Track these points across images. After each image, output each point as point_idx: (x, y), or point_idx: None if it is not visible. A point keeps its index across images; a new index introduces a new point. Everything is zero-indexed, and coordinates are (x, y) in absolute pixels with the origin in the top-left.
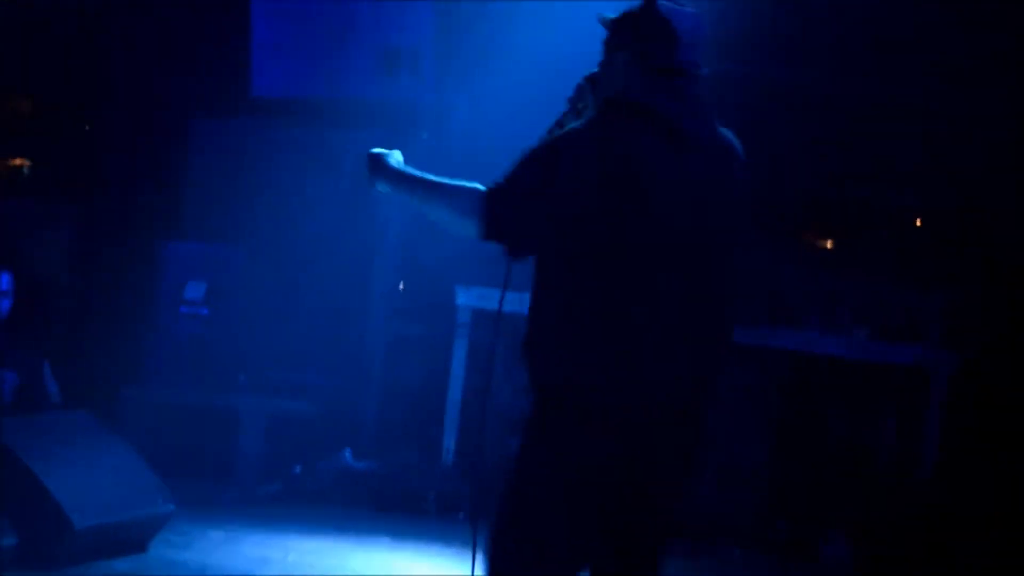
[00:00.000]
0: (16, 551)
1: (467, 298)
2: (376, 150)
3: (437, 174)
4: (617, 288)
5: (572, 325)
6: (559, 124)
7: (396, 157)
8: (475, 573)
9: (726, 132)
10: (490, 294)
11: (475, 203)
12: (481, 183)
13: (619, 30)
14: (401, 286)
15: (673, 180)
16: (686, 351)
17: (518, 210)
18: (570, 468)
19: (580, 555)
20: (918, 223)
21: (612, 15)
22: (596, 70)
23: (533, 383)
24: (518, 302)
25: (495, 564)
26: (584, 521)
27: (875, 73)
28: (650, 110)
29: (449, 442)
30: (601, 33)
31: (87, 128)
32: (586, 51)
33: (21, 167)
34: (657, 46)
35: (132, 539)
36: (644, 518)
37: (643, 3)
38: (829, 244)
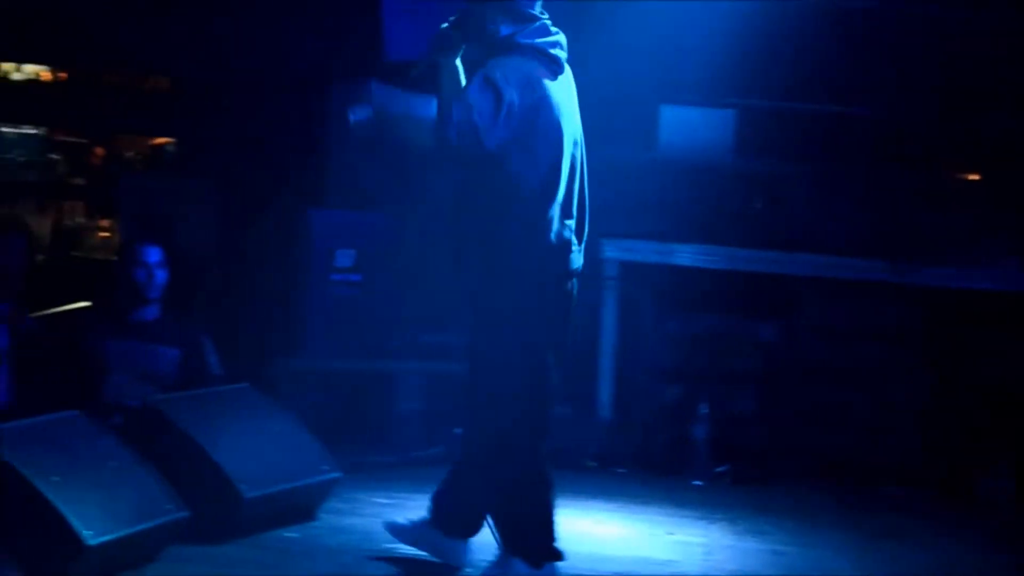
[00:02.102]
0: (187, 523)
1: (614, 251)
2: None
3: None
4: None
5: None
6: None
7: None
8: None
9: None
10: (636, 246)
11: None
12: None
13: None
14: None
15: (559, 97)
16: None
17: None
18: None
19: None
20: None
21: None
22: (455, 20)
23: None
24: (662, 253)
25: None
26: None
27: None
28: (536, 48)
29: (604, 396)
30: None
31: (227, 102)
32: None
33: (165, 145)
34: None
35: (300, 507)
36: None
37: None
38: (974, 176)
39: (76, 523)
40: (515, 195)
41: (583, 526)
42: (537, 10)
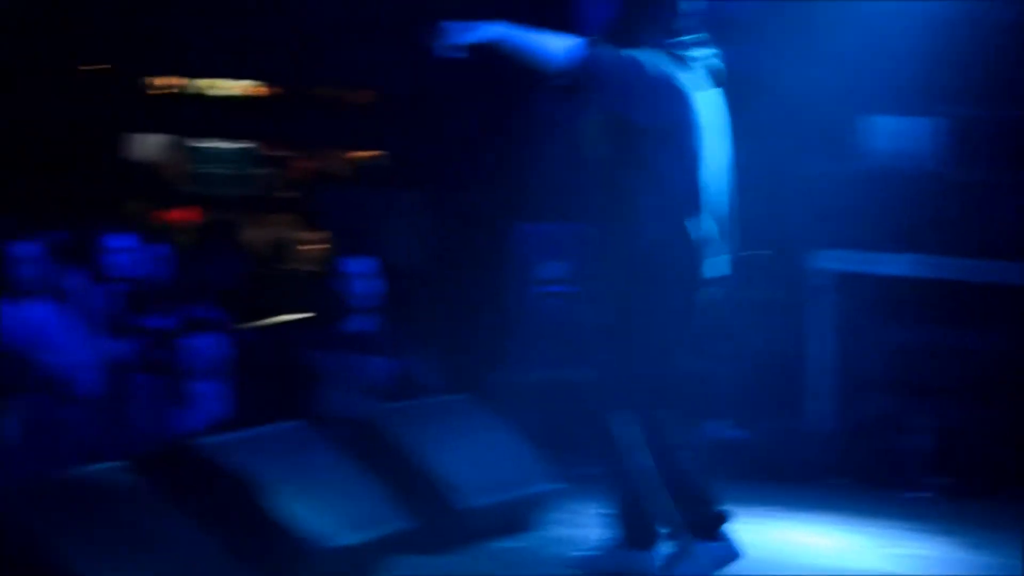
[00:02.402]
0: (408, 534)
1: (825, 261)
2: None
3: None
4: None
5: None
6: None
7: None
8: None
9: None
10: (847, 256)
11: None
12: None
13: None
14: (757, 253)
15: (702, 104)
16: None
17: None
18: None
19: None
20: None
21: None
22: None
23: None
24: (873, 263)
25: None
26: None
27: None
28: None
29: (814, 407)
30: None
31: (434, 114)
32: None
33: (372, 158)
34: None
35: (518, 518)
36: None
37: None
38: None
39: (300, 531)
40: (654, 190)
41: (797, 538)
42: (683, 26)
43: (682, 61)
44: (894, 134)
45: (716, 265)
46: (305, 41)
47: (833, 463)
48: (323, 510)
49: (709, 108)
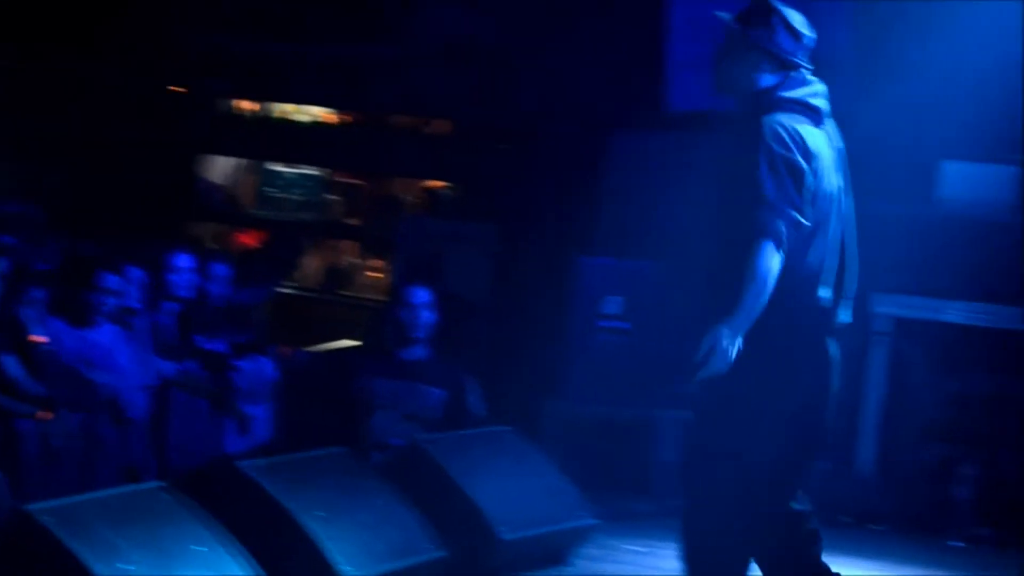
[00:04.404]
0: (443, 563)
1: (885, 305)
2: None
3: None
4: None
5: None
6: None
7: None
8: None
9: None
10: (908, 301)
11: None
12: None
13: (751, 29)
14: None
15: (822, 152)
16: None
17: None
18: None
19: None
20: None
21: (733, 16)
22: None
23: None
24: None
25: None
26: None
27: None
28: (798, 101)
29: (865, 451)
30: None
31: (505, 147)
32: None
33: (439, 188)
34: (785, 42)
35: (554, 552)
36: None
37: (767, 4)
38: None
39: (336, 558)
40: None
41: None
42: (800, 58)
43: (817, 115)
44: (971, 181)
45: (835, 316)
46: (383, 68)
47: (879, 507)
48: (361, 536)
49: (828, 151)
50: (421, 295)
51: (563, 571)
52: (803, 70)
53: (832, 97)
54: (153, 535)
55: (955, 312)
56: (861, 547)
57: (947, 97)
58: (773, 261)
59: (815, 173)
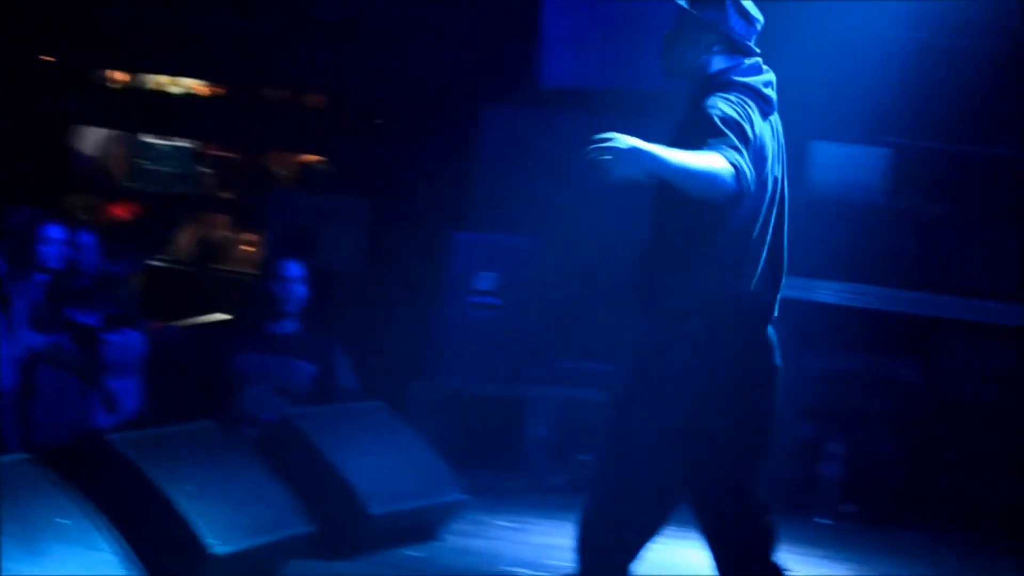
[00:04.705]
0: (311, 537)
1: None
2: (622, 140)
3: None
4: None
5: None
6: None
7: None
8: None
9: None
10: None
11: (729, 184)
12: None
13: (704, 11)
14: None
15: (771, 136)
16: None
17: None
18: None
19: None
20: None
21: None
22: (671, 38)
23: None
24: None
25: None
26: None
27: None
28: (750, 87)
29: None
30: None
31: (379, 121)
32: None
33: (313, 163)
34: (737, 26)
35: (424, 527)
36: None
37: None
38: None
39: (202, 532)
40: (713, 238)
41: (704, 559)
42: (753, 43)
43: (768, 105)
44: (841, 162)
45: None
46: (257, 41)
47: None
48: (229, 511)
49: (774, 142)
50: (293, 269)
51: (433, 546)
52: (756, 57)
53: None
54: (17, 507)
55: (826, 292)
56: None
57: (818, 79)
58: (725, 175)
59: (761, 153)
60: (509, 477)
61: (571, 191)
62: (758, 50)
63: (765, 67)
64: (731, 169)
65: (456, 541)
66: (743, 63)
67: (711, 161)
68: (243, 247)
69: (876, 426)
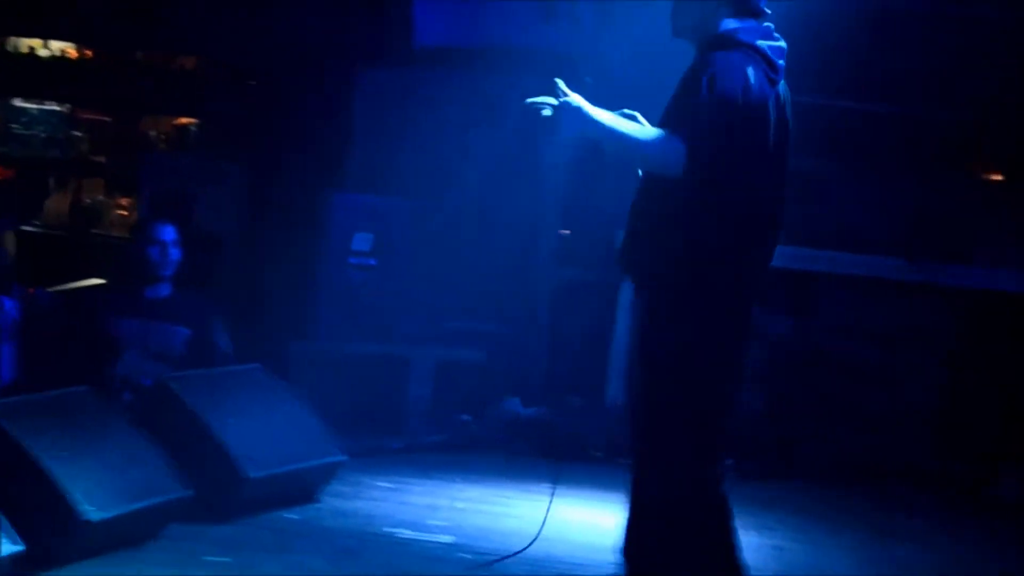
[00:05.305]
0: (191, 502)
1: None
2: (567, 100)
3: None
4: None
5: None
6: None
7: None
8: None
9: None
10: None
11: (677, 159)
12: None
13: None
14: (566, 232)
15: (772, 105)
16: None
17: (712, 156)
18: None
19: None
20: None
21: None
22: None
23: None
24: None
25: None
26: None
27: None
28: (758, 50)
29: (614, 388)
30: None
31: (253, 83)
32: None
33: (189, 125)
34: None
35: (303, 489)
36: None
37: None
38: (1000, 176)
39: (77, 498)
40: (718, 217)
41: (585, 516)
42: (763, 5)
43: (775, 72)
44: None
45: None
46: (128, 3)
47: (627, 442)
48: (104, 476)
49: (778, 126)
50: (167, 232)
51: (312, 508)
52: (766, 21)
53: (571, 41)
54: None
55: None
56: (610, 480)
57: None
58: (674, 155)
59: (758, 123)
60: (389, 437)
61: (445, 150)
62: (769, 11)
63: (777, 34)
64: (682, 149)
65: (335, 503)
66: (753, 24)
67: (661, 142)
68: (118, 211)
69: (749, 381)
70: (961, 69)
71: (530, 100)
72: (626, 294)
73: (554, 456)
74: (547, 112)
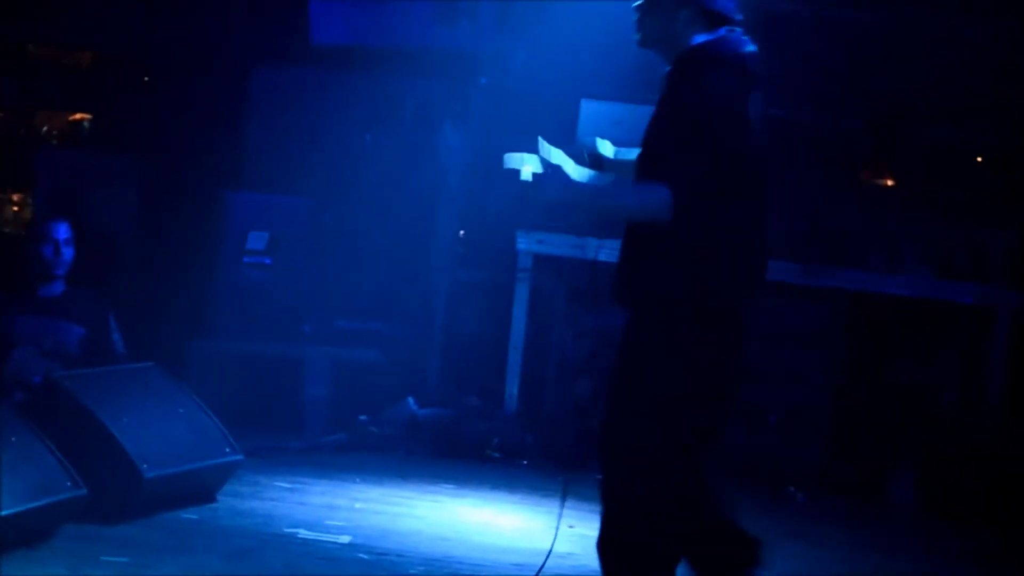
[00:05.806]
0: (86, 502)
1: (528, 243)
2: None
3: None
4: (737, 210)
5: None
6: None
7: (560, 162)
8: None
9: None
10: (551, 239)
11: (663, 207)
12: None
13: None
14: (462, 233)
15: (749, 116)
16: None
17: (695, 196)
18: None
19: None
20: (980, 160)
21: None
22: (645, 8)
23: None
24: (576, 247)
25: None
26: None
27: (938, 7)
28: (732, 61)
29: (511, 389)
30: None
31: (147, 80)
32: None
33: (82, 121)
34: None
35: (200, 489)
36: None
37: None
38: (891, 182)
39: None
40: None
41: (484, 516)
42: (736, 15)
43: (751, 80)
44: (608, 120)
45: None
46: None
47: (526, 444)
48: None
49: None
50: (61, 230)
51: (210, 508)
52: (738, 29)
53: (471, 40)
54: None
55: (596, 250)
56: (507, 481)
57: (587, 37)
58: (660, 204)
59: (742, 137)
60: (287, 437)
61: (341, 149)
62: (739, 17)
63: (746, 37)
64: (666, 196)
65: (233, 502)
66: (726, 36)
67: (645, 195)
68: (10, 207)
69: None
70: (851, 76)
71: (509, 155)
72: (522, 295)
73: (451, 456)
74: (526, 178)
